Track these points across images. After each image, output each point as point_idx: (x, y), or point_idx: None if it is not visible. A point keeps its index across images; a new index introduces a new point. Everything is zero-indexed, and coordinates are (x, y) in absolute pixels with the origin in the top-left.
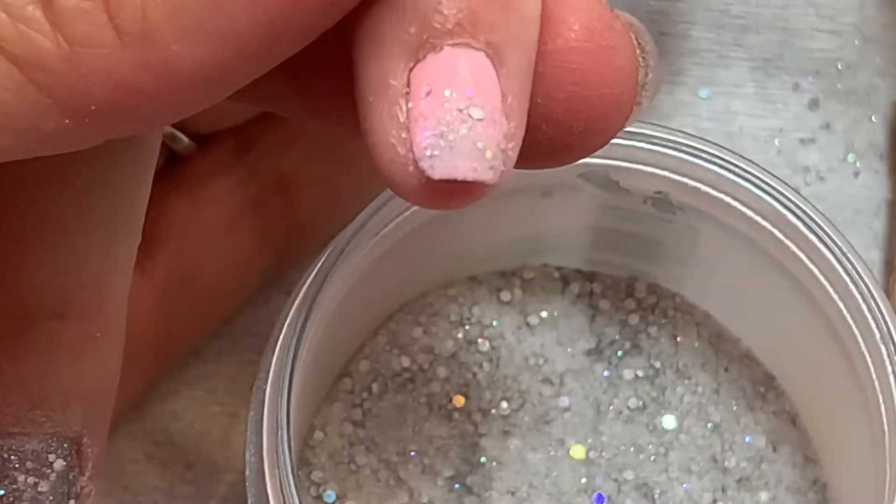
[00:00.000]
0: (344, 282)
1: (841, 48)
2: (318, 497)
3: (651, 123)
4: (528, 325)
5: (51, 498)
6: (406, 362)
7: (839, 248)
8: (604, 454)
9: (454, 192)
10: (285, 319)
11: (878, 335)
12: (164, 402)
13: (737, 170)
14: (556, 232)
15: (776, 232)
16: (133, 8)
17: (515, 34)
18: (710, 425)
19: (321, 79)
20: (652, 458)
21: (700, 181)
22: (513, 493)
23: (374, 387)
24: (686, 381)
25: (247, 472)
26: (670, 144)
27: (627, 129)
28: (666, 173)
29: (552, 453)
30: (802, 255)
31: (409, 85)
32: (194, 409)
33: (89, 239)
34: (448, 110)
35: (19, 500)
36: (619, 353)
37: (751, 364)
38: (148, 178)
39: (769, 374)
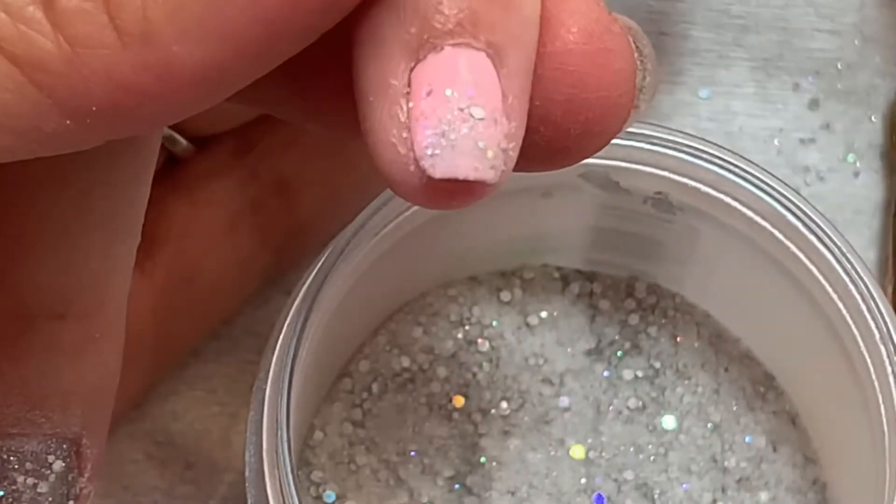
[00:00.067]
0: (344, 282)
1: (841, 48)
2: (318, 497)
3: (651, 123)
4: (528, 325)
5: (50, 499)
6: (406, 362)
7: (839, 248)
8: (604, 454)
9: (455, 192)
10: (285, 319)
11: (878, 335)
12: (164, 402)
13: (737, 170)
14: (556, 232)
15: (776, 232)
16: (133, 9)
17: (516, 34)
18: (710, 425)
19: (320, 80)
20: (652, 458)
21: (700, 181)
22: (513, 493)
23: (374, 387)
24: (686, 381)
25: (247, 472)
26: (670, 144)
27: (627, 129)
28: (666, 173)
29: (552, 453)
30: (802, 255)
31: (409, 85)
32: (194, 409)
33: (89, 239)
34: (449, 110)
35: (18, 501)
36: (619, 353)
37: (751, 364)
38: (148, 178)
39: (769, 374)
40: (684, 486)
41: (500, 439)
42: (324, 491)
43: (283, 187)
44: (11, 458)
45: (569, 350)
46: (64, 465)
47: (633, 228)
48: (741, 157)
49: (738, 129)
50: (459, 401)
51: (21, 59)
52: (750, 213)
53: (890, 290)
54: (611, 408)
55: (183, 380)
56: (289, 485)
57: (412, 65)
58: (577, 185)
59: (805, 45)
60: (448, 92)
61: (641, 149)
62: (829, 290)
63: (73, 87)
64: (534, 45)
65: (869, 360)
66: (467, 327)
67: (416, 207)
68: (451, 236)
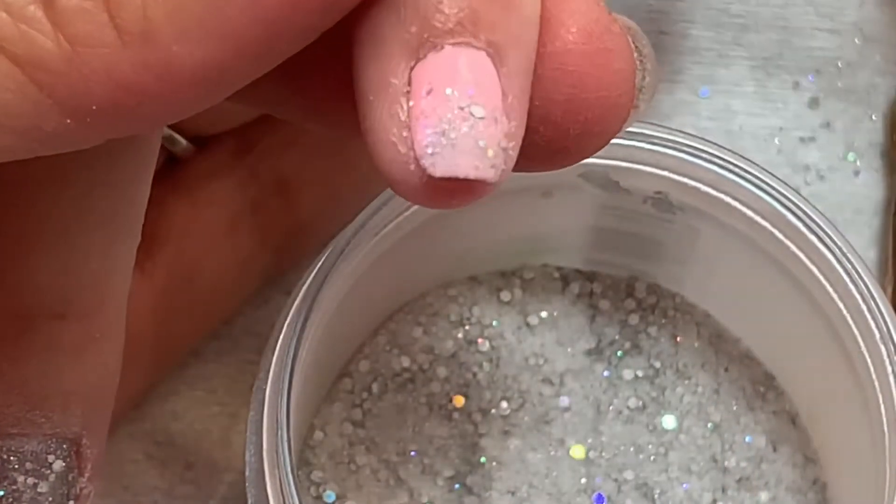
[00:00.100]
0: (344, 282)
1: (841, 47)
2: (318, 497)
3: (651, 123)
4: (528, 325)
5: (50, 499)
6: (406, 362)
7: (839, 248)
8: (604, 454)
9: (455, 191)
10: (285, 319)
11: (878, 335)
12: (164, 403)
13: (737, 170)
14: (556, 232)
15: (776, 232)
16: (134, 8)
17: (516, 34)
18: (710, 425)
19: (320, 79)
20: (652, 458)
21: (700, 181)
22: (513, 493)
23: (374, 387)
24: (686, 381)
25: (247, 472)
26: (670, 144)
27: (627, 129)
28: (666, 173)
29: (552, 453)
30: (802, 255)
31: (409, 84)
32: (194, 409)
33: (89, 239)
34: (449, 108)
35: (18, 501)
36: (619, 353)
37: (751, 364)
38: (148, 178)
39: (769, 374)
40: (684, 485)
41: (500, 439)
42: (324, 491)
43: (283, 187)
44: (12, 457)
45: (569, 350)
46: (64, 464)
47: (633, 228)
48: (741, 156)
49: (738, 127)
50: (459, 401)
51: (21, 59)
52: (750, 213)
53: (890, 289)
54: (611, 408)
55: (183, 380)
56: (289, 485)
57: (412, 64)
58: (577, 185)
59: (805, 43)
60: (448, 91)
61: (641, 148)
62: (829, 290)
63: (73, 87)
64: (534, 44)
65: (869, 360)
66: (467, 327)
67: (416, 207)
68: (451, 236)
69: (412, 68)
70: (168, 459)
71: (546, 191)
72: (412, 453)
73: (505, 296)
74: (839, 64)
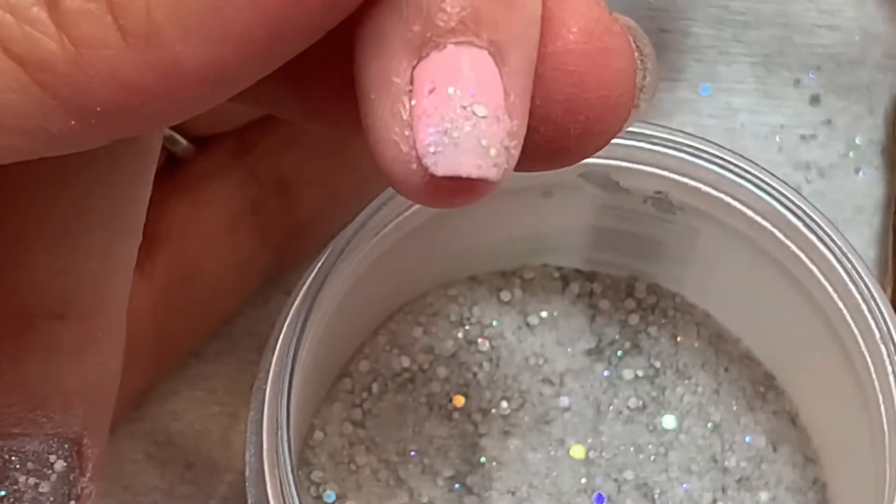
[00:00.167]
0: (344, 282)
1: (842, 44)
2: (318, 497)
3: (651, 123)
4: (528, 325)
5: (51, 499)
6: (406, 362)
7: (839, 248)
8: (604, 454)
9: (457, 190)
10: (285, 319)
11: (878, 335)
12: (164, 403)
13: (737, 170)
14: (556, 232)
15: (776, 232)
16: (137, 9)
17: (518, 33)
18: (710, 425)
19: (321, 78)
20: (652, 458)
21: (700, 181)
22: (513, 493)
23: (374, 387)
24: (686, 381)
25: (247, 472)
26: (670, 144)
27: (627, 129)
28: (666, 173)
29: (552, 453)
30: (802, 255)
31: (412, 82)
32: (194, 409)
33: (89, 239)
34: (452, 108)
35: (20, 501)
36: (619, 353)
37: (751, 364)
38: (148, 178)
39: (769, 374)
40: (684, 485)
41: (500, 439)
42: (324, 491)
43: (283, 187)
44: (13, 457)
45: (569, 350)
46: (65, 464)
47: (633, 228)
48: (741, 156)
49: (739, 125)
50: (459, 401)
51: (26, 60)
52: (750, 213)
53: (889, 288)
54: (611, 408)
55: (183, 380)
56: (289, 485)
57: (414, 63)
58: (577, 185)
59: (806, 40)
60: (451, 90)
61: (641, 148)
62: (829, 290)
63: (77, 88)
64: (535, 43)
65: (869, 360)
66: (467, 327)
67: (416, 207)
68: (451, 236)
69: (414, 67)
70: (168, 459)
71: (546, 191)
72: (412, 453)
73: (505, 296)
74: (840, 61)
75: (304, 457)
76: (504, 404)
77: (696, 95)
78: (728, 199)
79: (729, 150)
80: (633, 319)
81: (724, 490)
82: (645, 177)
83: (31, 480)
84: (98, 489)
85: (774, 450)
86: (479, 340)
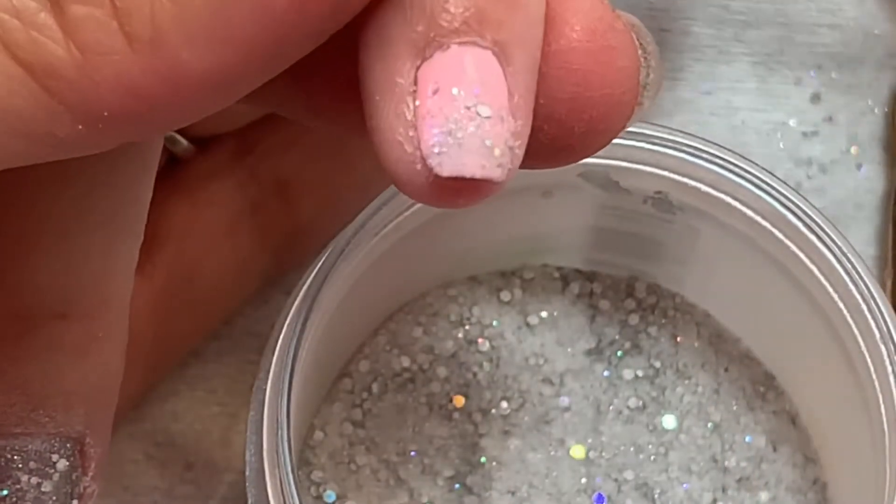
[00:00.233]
0: (344, 282)
1: (842, 42)
2: (318, 497)
3: (651, 123)
4: (528, 325)
5: (54, 498)
6: (406, 362)
7: (839, 248)
8: (604, 454)
9: (462, 190)
10: (285, 319)
11: (878, 335)
12: (164, 403)
13: (737, 170)
14: (556, 232)
15: (776, 232)
16: (142, 15)
17: (521, 32)
18: (710, 425)
19: (325, 78)
20: (652, 458)
21: (700, 181)
22: (513, 493)
23: (374, 387)
24: (686, 381)
25: (247, 472)
26: (670, 144)
27: (628, 128)
28: (666, 173)
29: (552, 453)
30: (802, 255)
31: (416, 83)
32: (194, 409)
33: (90, 239)
34: (456, 108)
35: (22, 500)
36: (619, 353)
37: (751, 364)
38: (149, 178)
39: (769, 374)
40: (684, 485)
41: (500, 439)
42: (324, 491)
43: (283, 189)
44: (15, 457)
45: (569, 350)
46: (68, 463)
47: (633, 228)
48: (741, 156)
49: (740, 122)
50: (459, 401)
51: (33, 65)
52: (750, 213)
53: (889, 282)
54: (611, 408)
55: (183, 380)
56: (289, 485)
57: (418, 63)
58: (577, 185)
59: (806, 39)
60: (454, 90)
61: (641, 148)
62: (829, 290)
63: (84, 93)
64: (539, 43)
65: (869, 360)
66: (467, 327)
67: (416, 207)
68: (451, 236)
69: (418, 68)
70: (168, 460)
71: (546, 191)
72: (412, 453)
73: (505, 296)
74: (841, 60)
75: (304, 457)
76: (504, 404)
77: (696, 95)
78: (728, 199)
79: (729, 150)
80: (633, 319)
81: (724, 490)
82: (645, 177)
83: (34, 480)
84: (98, 489)
85: (774, 450)
86: (479, 340)
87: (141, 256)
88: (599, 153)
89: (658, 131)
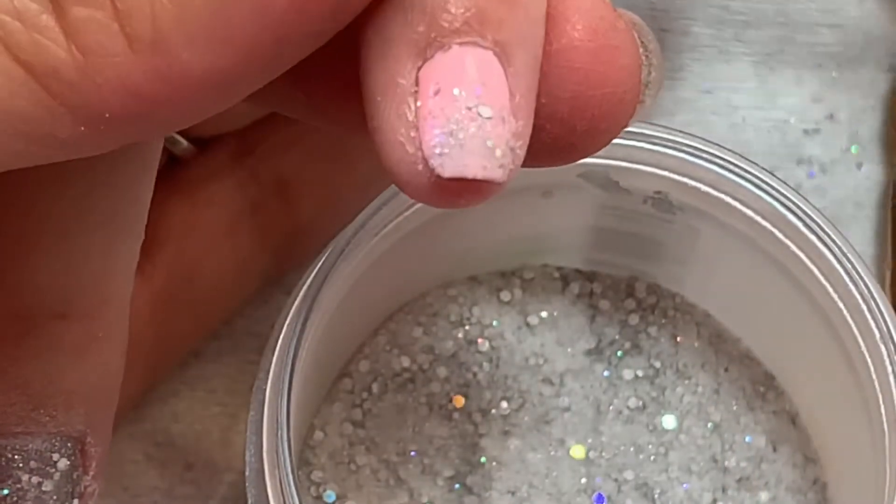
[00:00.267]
0: (344, 282)
1: (843, 42)
2: (318, 497)
3: (651, 123)
4: (528, 325)
5: (55, 497)
6: (406, 362)
7: (839, 248)
8: (604, 454)
9: (463, 191)
10: (285, 319)
11: (878, 335)
12: (164, 403)
13: (737, 170)
14: (556, 232)
15: (776, 232)
16: (143, 17)
17: (522, 33)
18: (710, 425)
19: (327, 78)
20: (652, 458)
21: (700, 181)
22: (513, 493)
23: (374, 387)
24: (686, 381)
25: (247, 472)
26: (670, 144)
27: (628, 128)
28: (666, 173)
29: (552, 453)
30: (802, 255)
31: (417, 84)
32: (194, 409)
33: (90, 239)
34: (457, 109)
35: (23, 500)
36: (619, 353)
37: (751, 364)
38: (150, 178)
39: (769, 374)
40: (684, 485)
41: (500, 439)
42: (324, 491)
43: (283, 189)
44: (16, 456)
45: (569, 350)
46: (68, 463)
47: (633, 228)
48: (741, 156)
49: (740, 120)
50: (459, 401)
51: (35, 67)
52: (750, 213)
53: (889, 282)
54: (611, 408)
55: (183, 380)
56: (289, 485)
57: (420, 64)
58: (577, 185)
59: (806, 39)
60: (456, 91)
61: (641, 148)
62: (829, 290)
63: (85, 95)
64: (540, 43)
65: (869, 360)
66: (467, 327)
67: (416, 207)
68: (451, 236)
69: (419, 68)
70: (168, 460)
71: (546, 191)
72: (412, 453)
73: (505, 296)
74: (841, 60)
75: (304, 457)
76: (504, 404)
77: (697, 94)
78: (728, 199)
79: (729, 150)
80: (633, 319)
81: (724, 490)
82: (645, 177)
83: (35, 479)
84: (99, 488)
85: (774, 450)
86: (479, 340)
87: (141, 257)
88: (600, 153)
89: (658, 131)
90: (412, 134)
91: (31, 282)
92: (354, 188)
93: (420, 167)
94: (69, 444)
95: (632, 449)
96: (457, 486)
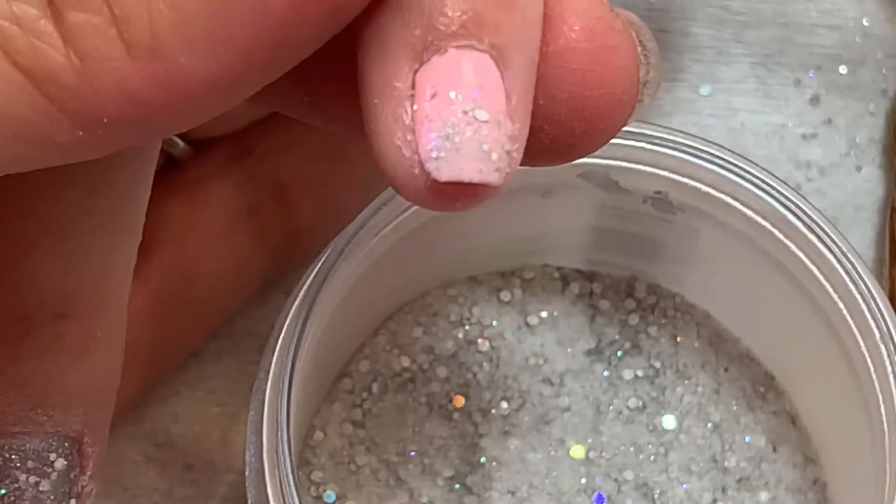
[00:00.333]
0: (344, 282)
1: (842, 43)
2: (318, 497)
3: (651, 123)
4: (528, 325)
5: (52, 497)
6: (406, 362)
7: (839, 248)
8: (604, 454)
9: (459, 194)
10: (285, 319)
11: (878, 335)
12: (163, 404)
13: (737, 170)
14: (556, 232)
15: (776, 232)
16: (140, 22)
17: (519, 36)
18: (710, 425)
19: (327, 78)
20: (652, 458)
21: (700, 181)
22: (513, 493)
23: (374, 387)
24: (686, 381)
25: (247, 473)
26: (670, 144)
27: (627, 128)
28: (666, 173)
29: (552, 453)
30: (802, 255)
31: (413, 87)
32: (194, 409)
33: (90, 239)
34: (453, 112)
35: (20, 500)
36: (619, 353)
37: (751, 364)
38: (148, 179)
39: (769, 374)
40: (684, 485)
41: (500, 439)
42: (324, 491)
43: (280, 191)
44: (13, 456)
45: (569, 350)
46: (66, 463)
47: (633, 228)
48: (741, 156)
49: (739, 124)
50: (459, 401)
51: (33, 72)
52: (750, 213)
53: (888, 285)
54: (611, 408)
55: (183, 381)
56: (289, 485)
57: (416, 67)
58: (577, 185)
59: (806, 40)
60: (452, 94)
61: (641, 148)
62: (829, 290)
63: (84, 100)
64: (537, 45)
65: (869, 360)
66: (467, 327)
67: (416, 207)
68: (451, 236)
69: (416, 71)
70: (168, 460)
71: (546, 191)
72: (412, 453)
73: (505, 296)
74: (840, 60)
75: (304, 457)
76: (504, 404)
77: (696, 95)
78: (728, 199)
79: (729, 150)
80: (633, 319)
81: (724, 490)
82: (645, 177)
83: (32, 479)
84: (98, 489)
85: (774, 450)
86: (479, 340)
87: (139, 257)
88: (599, 153)
89: (658, 131)
90: (408, 137)
91: (31, 282)
92: (353, 189)
93: (416, 171)
94: (66, 444)
95: (632, 449)
96: (457, 486)
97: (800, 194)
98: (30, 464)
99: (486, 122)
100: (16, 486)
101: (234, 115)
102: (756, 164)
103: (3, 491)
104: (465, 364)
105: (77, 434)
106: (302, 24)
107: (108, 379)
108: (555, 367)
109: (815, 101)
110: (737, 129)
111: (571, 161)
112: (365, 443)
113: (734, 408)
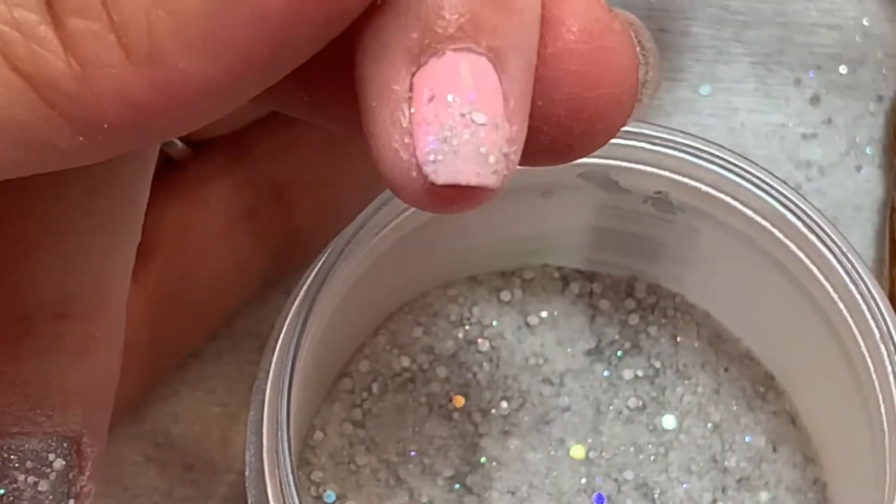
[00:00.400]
0: (344, 282)
1: (842, 43)
2: (318, 497)
3: (651, 123)
4: (528, 325)
5: (50, 497)
6: (406, 362)
7: (839, 248)
8: (604, 454)
9: (457, 197)
10: (285, 319)
11: (878, 335)
12: (163, 404)
13: (737, 170)
14: (556, 232)
15: (776, 232)
16: (139, 28)
17: (516, 38)
18: (710, 425)
19: (327, 78)
20: (652, 458)
21: (700, 181)
22: (513, 493)
23: (374, 387)
24: (686, 381)
25: (247, 473)
26: (670, 144)
27: (627, 128)
28: (666, 173)
29: (552, 453)
30: (802, 255)
31: (411, 90)
32: (194, 409)
33: (89, 240)
34: (451, 115)
35: (19, 500)
36: (619, 353)
37: (751, 364)
38: (147, 179)
39: (769, 374)
40: (684, 485)
41: (500, 439)
42: (324, 491)
43: (279, 192)
44: (12, 456)
45: (569, 350)
46: (64, 463)
47: (633, 228)
48: (741, 156)
49: (739, 124)
50: (459, 401)
51: (33, 77)
52: (750, 213)
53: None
54: (611, 408)
55: (183, 381)
56: (289, 485)
57: (414, 70)
58: (577, 185)
59: (805, 40)
60: (450, 97)
61: (641, 148)
62: (829, 290)
63: (84, 106)
64: (535, 47)
65: (869, 360)
66: (467, 327)
67: (415, 208)
68: (451, 236)
69: (414, 74)
70: (168, 461)
71: (546, 191)
72: (412, 453)
73: (505, 296)
74: (840, 60)
75: (304, 457)
76: (504, 404)
77: (696, 95)
78: (728, 199)
79: (729, 150)
80: (633, 319)
81: (724, 490)
82: (645, 177)
83: (31, 479)
84: (97, 490)
85: (774, 450)
86: (479, 340)
87: (137, 258)
88: (599, 153)
89: (658, 131)
90: (406, 140)
91: (31, 282)
92: (352, 190)
93: (414, 174)
94: (65, 445)
95: (632, 449)
96: (457, 486)
97: (800, 194)
98: (28, 464)
99: (483, 124)
100: (14, 486)
101: (234, 115)
102: (756, 164)
103: (1, 491)
104: (465, 364)
105: (76, 434)
106: (300, 28)
107: (107, 379)
108: (555, 367)
109: (815, 100)
110: (737, 129)
111: (571, 161)
112: (365, 443)
113: (734, 408)
